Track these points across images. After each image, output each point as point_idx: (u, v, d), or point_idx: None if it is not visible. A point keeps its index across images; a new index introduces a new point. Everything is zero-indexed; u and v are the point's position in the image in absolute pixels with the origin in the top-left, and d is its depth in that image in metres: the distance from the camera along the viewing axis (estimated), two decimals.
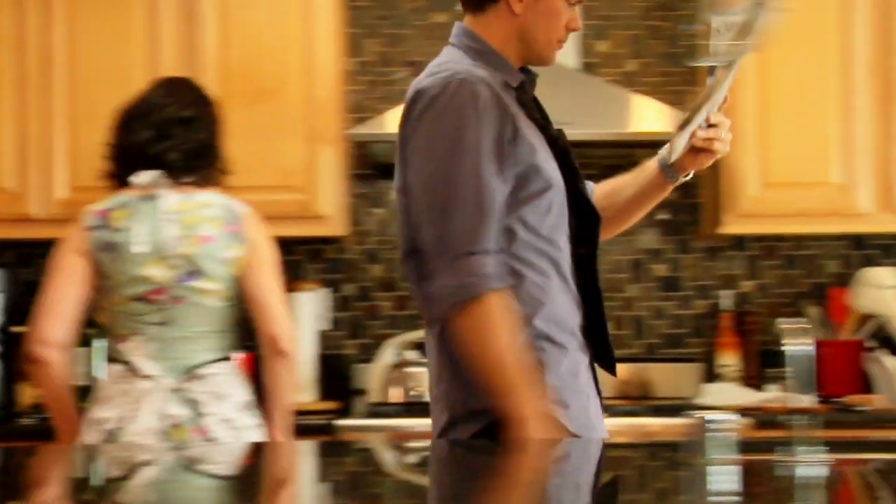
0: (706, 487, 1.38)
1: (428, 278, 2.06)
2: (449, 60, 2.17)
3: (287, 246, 3.97)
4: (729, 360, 3.91)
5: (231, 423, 2.86)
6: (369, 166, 4.03)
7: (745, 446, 1.54)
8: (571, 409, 2.10)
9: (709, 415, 1.48)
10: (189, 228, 2.85)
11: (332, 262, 4.03)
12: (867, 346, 3.72)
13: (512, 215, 2.09)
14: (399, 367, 3.78)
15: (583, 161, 4.00)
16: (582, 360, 2.16)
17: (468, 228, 2.03)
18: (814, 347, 1.47)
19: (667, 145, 2.32)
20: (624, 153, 3.92)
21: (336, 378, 3.95)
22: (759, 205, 3.72)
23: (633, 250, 4.04)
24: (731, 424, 1.48)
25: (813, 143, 3.70)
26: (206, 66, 3.67)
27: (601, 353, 2.21)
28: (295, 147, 3.69)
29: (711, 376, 3.94)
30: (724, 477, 1.43)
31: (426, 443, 2.52)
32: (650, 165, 2.39)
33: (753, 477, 1.48)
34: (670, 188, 2.39)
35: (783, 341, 1.54)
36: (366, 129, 3.69)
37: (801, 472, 1.47)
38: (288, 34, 3.70)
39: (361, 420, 3.49)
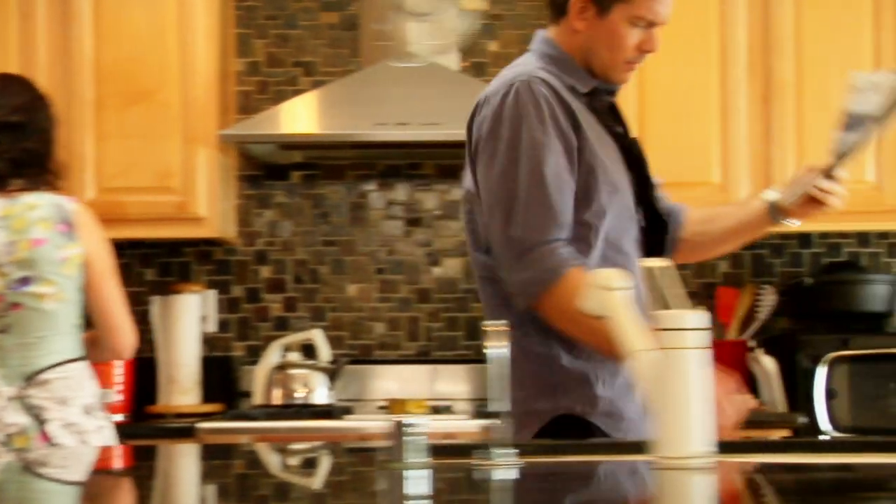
0: (398, 491, 1.37)
1: (505, 279, 2.13)
2: (518, 65, 2.24)
3: (175, 248, 3.98)
4: None
5: (74, 427, 2.85)
6: (257, 167, 4.02)
7: (441, 449, 1.53)
8: (626, 421, 2.12)
9: (406, 418, 1.47)
10: (18, 233, 2.83)
11: (221, 264, 4.02)
12: (749, 346, 3.72)
13: (582, 222, 2.15)
14: (282, 368, 3.77)
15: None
16: None
17: (532, 224, 2.09)
18: (506, 351, 1.45)
19: (779, 185, 2.30)
20: None
21: (223, 380, 3.94)
22: None
23: None
24: (424, 428, 1.47)
25: (693, 142, 3.68)
26: (82, 67, 3.65)
27: None
28: (172, 148, 3.67)
29: None
30: (415, 481, 1.42)
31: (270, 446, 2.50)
32: (756, 203, 2.38)
33: (444, 480, 1.47)
34: (770, 228, 2.40)
35: (484, 344, 1.52)
36: (238, 131, 3.67)
37: (492, 475, 1.46)
38: (165, 34, 3.68)
39: (227, 423, 3.47)
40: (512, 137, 2.12)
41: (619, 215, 2.18)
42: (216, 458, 1.89)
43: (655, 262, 1.64)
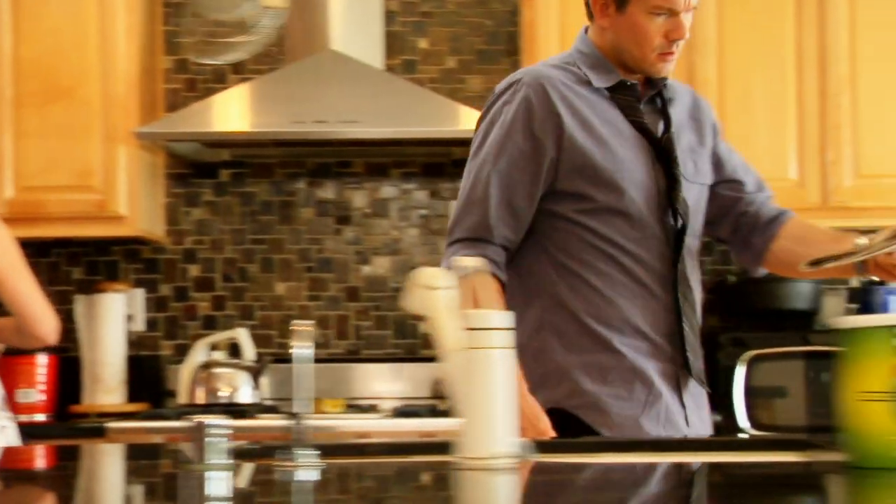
0: (197, 492, 1.35)
1: None
2: (543, 61, 2.32)
3: (102, 246, 3.96)
4: None
5: None
6: (185, 166, 4.00)
7: (245, 450, 1.51)
8: (613, 416, 2.14)
9: (208, 419, 1.45)
10: None
11: (149, 263, 4.00)
12: None
13: (570, 217, 2.19)
14: (206, 368, 3.75)
15: (403, 159, 4.02)
16: (649, 365, 2.18)
17: (456, 219, 2.23)
18: (311, 351, 1.44)
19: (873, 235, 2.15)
20: (442, 151, 3.90)
21: (149, 379, 3.93)
22: None
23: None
24: (224, 429, 1.45)
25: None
26: (0, 64, 3.63)
27: (685, 359, 2.22)
28: (93, 147, 3.66)
29: None
30: (215, 482, 1.40)
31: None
32: (847, 245, 2.26)
33: (246, 481, 1.46)
34: (853, 275, 2.37)
35: (291, 343, 1.51)
36: (154, 128, 3.65)
37: (294, 476, 1.45)
38: (86, 31, 3.66)
39: (139, 423, 3.45)
40: (483, 137, 2.24)
41: (630, 217, 2.19)
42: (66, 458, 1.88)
43: (468, 262, 1.62)
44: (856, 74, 3.62)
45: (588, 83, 2.23)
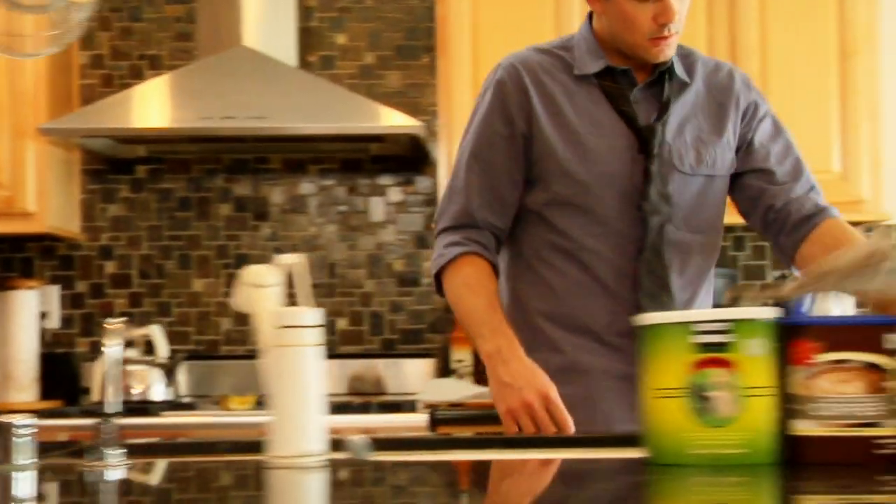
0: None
1: None
2: (535, 45, 2.27)
3: (17, 243, 3.93)
4: (462, 355, 3.87)
5: None
6: (101, 162, 3.98)
7: (49, 448, 1.50)
8: (600, 409, 2.13)
9: (16, 419, 1.44)
10: None
11: (65, 259, 3.98)
12: None
13: (533, 209, 2.18)
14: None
15: (321, 155, 4.00)
16: (596, 365, 2.15)
17: (443, 210, 2.24)
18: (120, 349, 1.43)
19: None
20: (360, 147, 3.89)
21: (64, 377, 3.90)
22: None
23: (372, 245, 4.00)
24: (30, 429, 1.44)
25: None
26: None
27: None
28: (0, 143, 3.63)
29: (447, 371, 3.91)
30: (20, 482, 1.39)
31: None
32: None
33: (51, 481, 1.44)
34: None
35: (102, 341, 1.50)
36: (58, 125, 3.62)
37: (99, 475, 1.43)
38: None
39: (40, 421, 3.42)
40: (468, 124, 2.26)
41: (590, 213, 2.14)
42: None
43: (290, 258, 1.61)
44: (766, 71, 3.62)
45: (571, 68, 2.19)
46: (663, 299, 2.12)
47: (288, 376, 1.46)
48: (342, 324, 3.98)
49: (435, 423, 3.29)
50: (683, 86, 2.20)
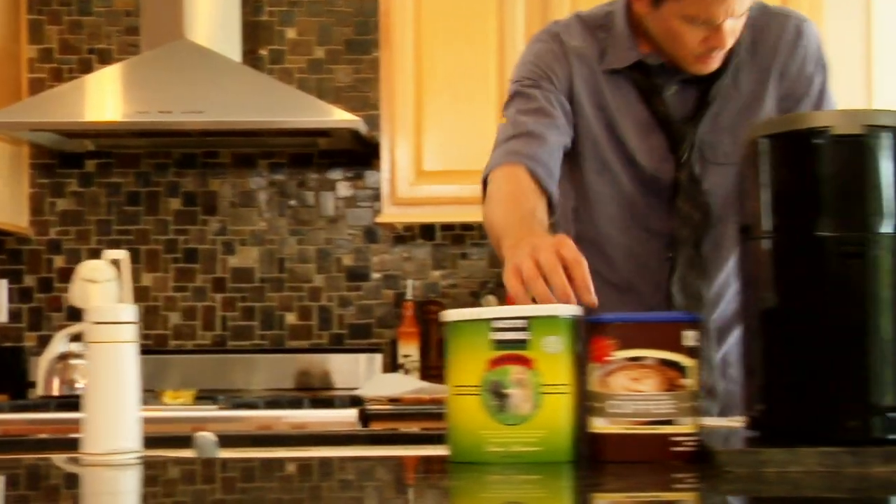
0: None
1: None
2: (579, 14, 2.08)
3: None
4: (410, 350, 3.86)
5: None
6: (51, 156, 3.98)
7: None
8: None
9: None
10: None
11: (13, 254, 3.98)
12: None
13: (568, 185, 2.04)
14: (64, 358, 3.73)
15: (271, 149, 3.99)
16: None
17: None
18: None
19: None
20: (309, 142, 3.88)
21: (11, 371, 3.91)
22: (416, 193, 3.65)
23: (321, 240, 3.99)
24: None
25: (471, 130, 3.63)
26: None
27: None
28: None
29: (395, 367, 3.90)
30: None
31: None
32: None
33: None
34: None
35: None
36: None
37: None
38: None
39: None
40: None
41: (608, 202, 2.03)
42: None
43: (116, 254, 1.60)
44: None
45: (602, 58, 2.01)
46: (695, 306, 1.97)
47: (102, 372, 1.45)
48: (291, 318, 3.98)
49: (366, 418, 3.28)
50: (724, 65, 1.96)
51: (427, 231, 3.97)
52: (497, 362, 1.31)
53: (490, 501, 1.23)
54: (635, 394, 1.30)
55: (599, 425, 1.32)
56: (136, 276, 3.98)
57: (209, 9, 3.75)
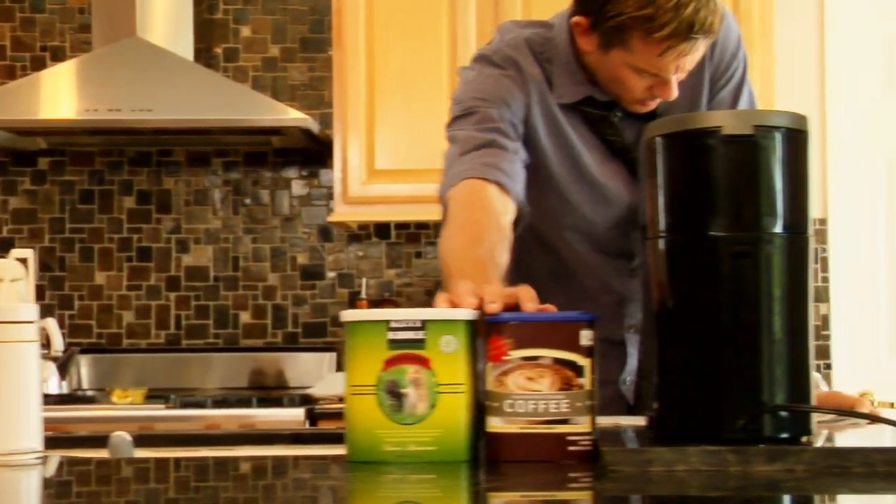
0: None
1: None
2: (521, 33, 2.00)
3: None
4: None
5: None
6: (4, 154, 3.96)
7: None
8: None
9: None
10: None
11: None
12: None
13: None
14: None
15: (225, 148, 3.97)
16: None
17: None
18: None
19: None
20: (264, 140, 3.87)
21: None
22: (367, 192, 3.65)
23: (276, 238, 3.98)
24: None
25: (423, 129, 3.63)
26: None
27: None
28: None
29: None
30: None
31: None
32: None
33: None
34: None
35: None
36: None
37: None
38: None
39: None
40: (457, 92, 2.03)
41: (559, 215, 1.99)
42: None
43: (21, 253, 1.59)
44: None
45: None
46: None
47: (3, 372, 1.44)
48: (245, 317, 3.97)
49: (314, 418, 3.27)
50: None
51: (382, 230, 3.97)
52: (393, 362, 1.31)
53: (384, 501, 1.22)
54: (531, 393, 1.30)
55: (496, 425, 1.32)
56: (88, 275, 3.97)
57: (162, 7, 3.74)
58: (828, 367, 3.88)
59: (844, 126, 3.86)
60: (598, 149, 1.96)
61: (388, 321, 1.31)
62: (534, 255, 2.00)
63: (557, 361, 1.30)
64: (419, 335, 1.31)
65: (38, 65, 3.96)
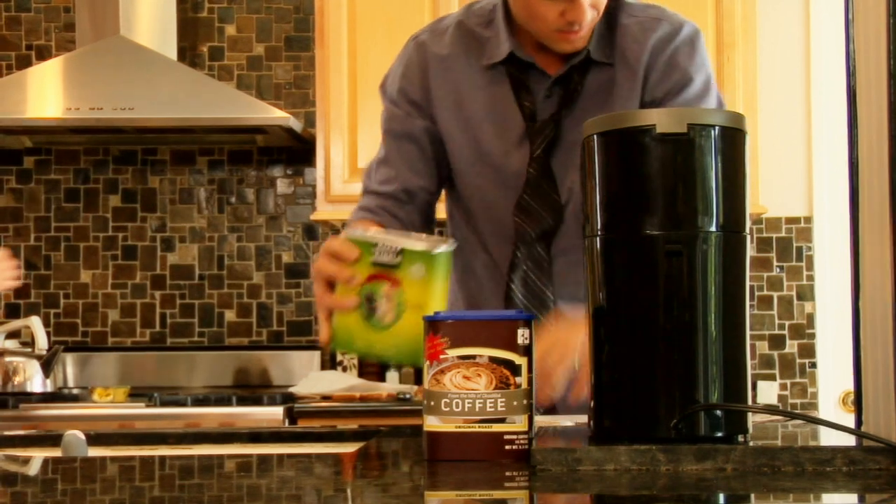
0: None
1: None
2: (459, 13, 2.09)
3: None
4: None
5: None
6: None
7: None
8: None
9: None
10: None
11: None
12: None
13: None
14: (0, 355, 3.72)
15: (210, 146, 3.98)
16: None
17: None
18: None
19: None
20: (248, 139, 3.87)
21: None
22: (350, 190, 3.65)
23: (260, 237, 3.98)
24: None
25: None
26: None
27: None
28: None
29: (333, 364, 3.90)
30: None
31: None
32: None
33: None
34: None
35: None
36: None
37: None
38: None
39: None
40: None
41: (473, 199, 2.05)
42: None
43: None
44: None
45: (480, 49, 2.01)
46: (538, 307, 1.96)
47: None
48: (230, 315, 3.97)
49: (294, 416, 3.27)
50: (604, 67, 1.96)
51: None
52: (373, 277, 1.58)
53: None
54: (467, 392, 1.30)
55: (432, 424, 1.31)
56: (74, 273, 3.98)
57: (145, 6, 3.74)
58: (813, 365, 3.88)
59: (829, 125, 3.85)
60: (505, 111, 1.98)
61: (374, 244, 1.58)
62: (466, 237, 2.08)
63: (494, 360, 1.30)
64: (396, 260, 1.57)
65: (24, 63, 3.96)
